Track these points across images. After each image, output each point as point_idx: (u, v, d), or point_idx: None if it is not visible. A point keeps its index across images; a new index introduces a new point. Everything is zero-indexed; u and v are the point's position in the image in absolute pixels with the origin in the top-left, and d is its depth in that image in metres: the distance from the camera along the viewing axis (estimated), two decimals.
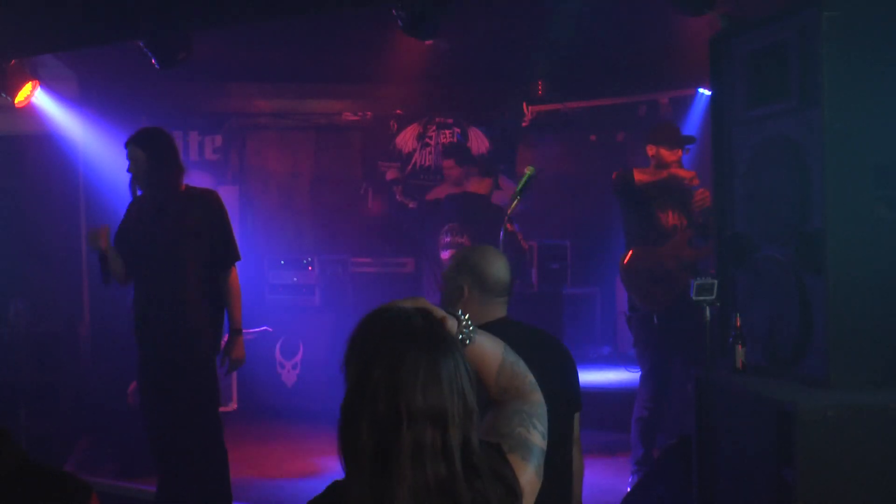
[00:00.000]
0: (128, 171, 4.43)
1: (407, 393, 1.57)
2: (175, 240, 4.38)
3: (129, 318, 4.54)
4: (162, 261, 4.39)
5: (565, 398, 2.87)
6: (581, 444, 2.99)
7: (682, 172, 5.41)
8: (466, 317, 1.83)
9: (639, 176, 5.43)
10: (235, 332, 4.51)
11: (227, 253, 4.49)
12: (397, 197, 8.36)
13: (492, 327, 2.88)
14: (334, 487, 1.68)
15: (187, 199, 4.45)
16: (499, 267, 2.91)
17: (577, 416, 2.94)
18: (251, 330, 6.67)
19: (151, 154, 4.37)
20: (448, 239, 6.90)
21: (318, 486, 1.71)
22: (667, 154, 5.41)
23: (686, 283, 5.07)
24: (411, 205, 8.27)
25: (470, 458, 1.60)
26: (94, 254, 4.56)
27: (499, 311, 2.92)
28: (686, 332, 5.13)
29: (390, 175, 8.43)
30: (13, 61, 5.85)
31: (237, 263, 4.55)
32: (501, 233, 4.92)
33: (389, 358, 1.60)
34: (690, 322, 4.97)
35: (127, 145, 4.41)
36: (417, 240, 7.27)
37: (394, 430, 1.56)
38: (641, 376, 5.38)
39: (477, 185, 7.26)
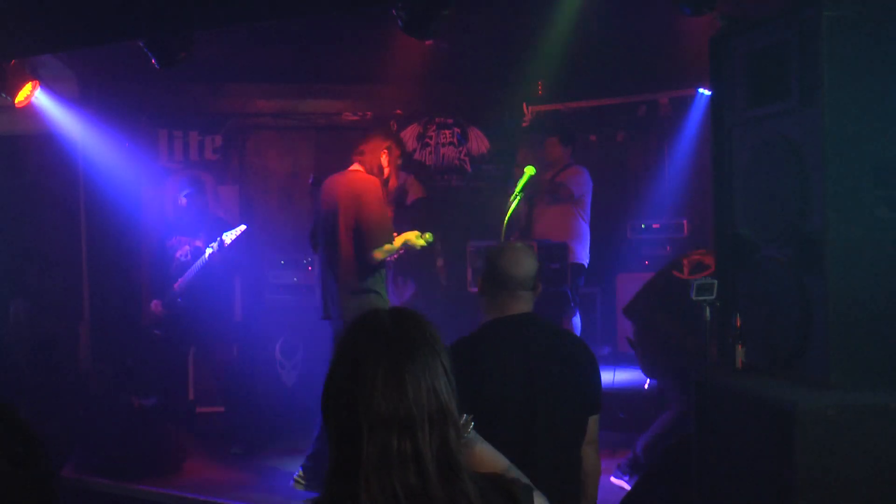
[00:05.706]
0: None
1: (365, 401, 1.50)
2: None
3: (135, 316, 4.56)
4: None
5: (581, 399, 2.87)
6: (598, 446, 2.98)
7: None
8: (468, 417, 1.76)
9: None
10: None
11: None
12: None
13: (511, 321, 2.91)
14: None
15: None
16: (510, 261, 2.91)
17: (594, 418, 2.93)
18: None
19: None
20: None
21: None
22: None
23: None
24: None
25: (447, 458, 1.52)
26: (100, 254, 4.58)
27: (519, 305, 2.92)
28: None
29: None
30: (13, 61, 5.85)
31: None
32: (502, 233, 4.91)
33: (349, 365, 1.55)
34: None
35: None
36: None
37: (356, 439, 1.50)
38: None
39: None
